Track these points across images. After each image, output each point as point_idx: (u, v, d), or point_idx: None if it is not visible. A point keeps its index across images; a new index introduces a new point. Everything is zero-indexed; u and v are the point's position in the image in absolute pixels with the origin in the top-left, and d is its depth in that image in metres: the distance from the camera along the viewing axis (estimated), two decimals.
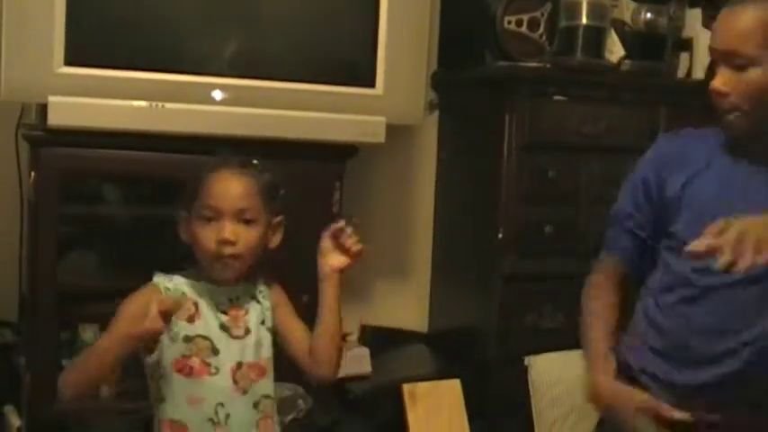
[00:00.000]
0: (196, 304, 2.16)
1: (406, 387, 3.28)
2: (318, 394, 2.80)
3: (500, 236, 3.27)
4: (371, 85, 3.08)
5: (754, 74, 2.10)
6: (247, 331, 2.18)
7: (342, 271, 2.21)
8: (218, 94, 2.92)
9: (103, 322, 2.99)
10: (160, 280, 2.19)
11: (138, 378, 3.01)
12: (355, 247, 2.20)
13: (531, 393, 3.21)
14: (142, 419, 2.75)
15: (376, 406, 3.25)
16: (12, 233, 3.12)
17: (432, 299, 3.74)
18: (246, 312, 2.20)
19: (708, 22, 3.45)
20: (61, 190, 2.88)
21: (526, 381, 3.21)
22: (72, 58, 2.77)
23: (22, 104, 3.00)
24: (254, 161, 2.23)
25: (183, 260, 2.63)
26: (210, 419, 2.12)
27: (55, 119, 2.77)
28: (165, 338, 2.11)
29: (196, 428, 2.12)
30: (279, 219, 2.24)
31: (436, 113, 3.68)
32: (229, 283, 2.20)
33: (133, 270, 3.06)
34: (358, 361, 3.34)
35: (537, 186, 3.27)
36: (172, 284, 2.17)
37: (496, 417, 3.27)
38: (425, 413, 3.26)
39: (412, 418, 3.25)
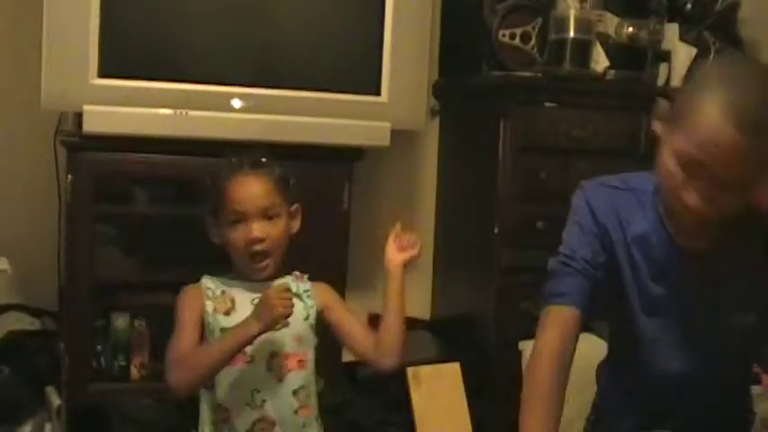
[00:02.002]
0: (233, 300, 2.19)
1: (410, 370, 3.27)
2: (329, 376, 2.85)
3: (496, 231, 3.30)
4: (377, 93, 3.11)
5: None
6: (285, 325, 2.17)
7: (405, 266, 2.25)
8: (237, 103, 2.96)
9: (134, 311, 3.06)
10: (205, 280, 2.23)
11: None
12: (412, 244, 2.24)
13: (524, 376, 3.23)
14: (170, 399, 2.82)
15: (382, 387, 3.24)
16: (51, 231, 3.17)
17: (434, 289, 3.76)
18: None
19: (684, 36, 3.50)
20: (95, 191, 2.92)
21: (520, 364, 3.26)
22: (105, 70, 2.82)
23: (60, 113, 3.05)
24: (263, 158, 2.26)
25: (207, 255, 2.70)
26: (248, 404, 2.15)
27: (89, 126, 2.82)
28: (206, 332, 2.16)
29: (236, 411, 2.16)
30: (296, 206, 2.27)
31: (437, 119, 3.70)
32: (264, 278, 2.22)
33: (160, 264, 3.14)
34: None
35: (530, 185, 3.29)
36: (213, 284, 2.22)
37: (494, 397, 3.28)
38: (428, 394, 3.27)
39: (415, 398, 3.26)
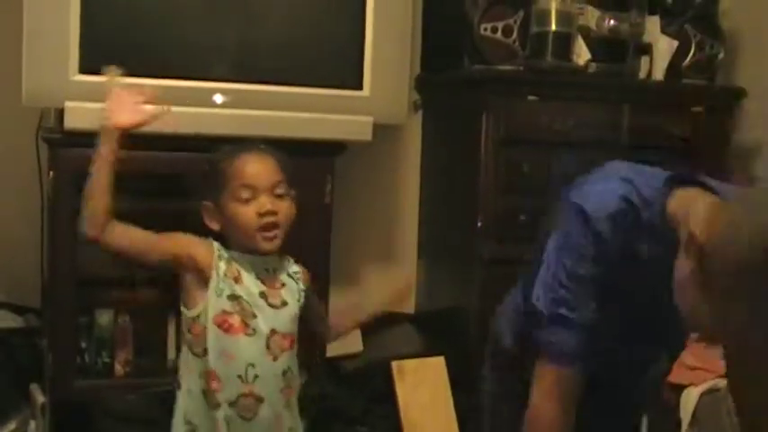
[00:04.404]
0: (239, 271, 2.17)
1: (394, 364, 3.29)
2: (313, 369, 2.85)
3: (479, 224, 3.30)
4: (359, 87, 3.10)
5: None
6: (284, 303, 2.20)
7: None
8: (218, 98, 2.95)
9: (117, 307, 3.08)
10: (216, 243, 2.20)
11: (150, 357, 3.10)
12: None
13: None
14: (154, 394, 2.82)
15: (367, 381, 3.28)
16: (34, 227, 3.16)
17: (418, 282, 3.75)
18: (282, 286, 2.22)
19: (665, 29, 3.50)
20: (77, 187, 2.83)
21: None
22: (86, 66, 2.80)
23: (42, 110, 3.04)
24: (261, 145, 2.26)
25: None
26: (239, 376, 2.14)
27: (71, 122, 2.81)
28: (211, 291, 2.13)
29: (227, 381, 2.14)
30: (293, 193, 2.25)
31: (420, 113, 3.71)
32: (268, 254, 2.21)
33: None
34: (350, 340, 3.37)
35: (512, 178, 3.29)
36: (220, 249, 2.19)
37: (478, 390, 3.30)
38: (413, 387, 3.29)
39: (400, 391, 3.27)
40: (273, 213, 2.16)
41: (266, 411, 2.18)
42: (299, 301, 2.26)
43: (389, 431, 3.24)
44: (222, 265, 2.16)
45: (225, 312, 2.14)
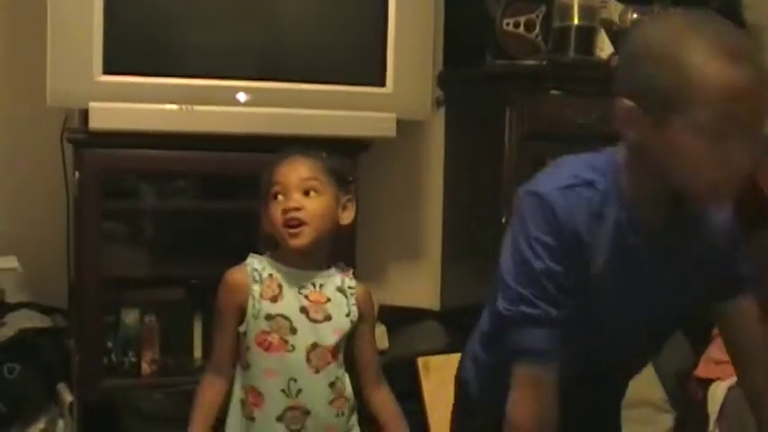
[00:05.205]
0: (280, 286, 2.19)
1: (420, 360, 3.29)
2: None
3: (504, 220, 3.26)
4: (382, 84, 3.11)
5: None
6: (327, 317, 2.20)
7: None
8: (242, 96, 2.96)
9: (143, 306, 3.08)
10: (251, 260, 2.22)
11: (177, 355, 3.11)
12: None
13: None
14: (181, 393, 2.82)
15: (393, 377, 3.26)
16: (60, 227, 3.17)
17: (443, 279, 3.76)
18: (328, 300, 2.22)
19: None
20: (102, 187, 2.93)
21: None
22: (110, 67, 2.82)
23: (66, 110, 3.05)
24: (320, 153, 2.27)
25: (215, 249, 2.67)
26: (283, 390, 2.15)
27: (95, 123, 2.82)
28: (249, 315, 2.16)
29: (271, 398, 2.16)
30: (348, 197, 2.26)
31: (443, 109, 3.70)
32: (309, 267, 2.22)
33: (169, 259, 3.16)
34: (376, 337, 3.39)
35: (536, 173, 3.26)
36: (260, 266, 2.20)
37: None
38: (438, 383, 3.28)
39: (426, 388, 3.27)
40: (297, 209, 2.17)
41: (314, 423, 2.19)
42: (348, 315, 2.24)
43: (416, 428, 3.24)
44: (256, 288, 2.18)
45: (264, 332, 2.16)
